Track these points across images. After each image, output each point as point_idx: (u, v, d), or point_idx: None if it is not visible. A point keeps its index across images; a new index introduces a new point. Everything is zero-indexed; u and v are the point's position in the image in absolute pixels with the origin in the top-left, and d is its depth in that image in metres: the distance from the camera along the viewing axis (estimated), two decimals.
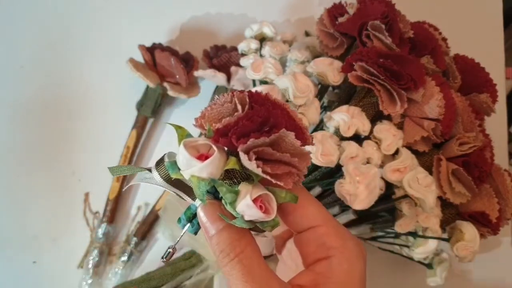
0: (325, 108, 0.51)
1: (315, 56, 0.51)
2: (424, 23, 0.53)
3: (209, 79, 0.58)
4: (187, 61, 0.59)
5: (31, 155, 0.59)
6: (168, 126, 0.58)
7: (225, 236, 0.25)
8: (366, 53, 0.43)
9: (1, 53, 0.62)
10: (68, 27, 0.64)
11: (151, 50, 0.58)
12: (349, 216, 0.44)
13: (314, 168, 0.44)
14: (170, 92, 0.57)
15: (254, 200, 0.23)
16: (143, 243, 0.56)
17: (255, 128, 0.23)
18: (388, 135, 0.43)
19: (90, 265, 0.54)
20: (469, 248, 0.43)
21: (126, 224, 0.57)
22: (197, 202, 0.26)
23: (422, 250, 0.44)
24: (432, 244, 0.44)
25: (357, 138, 0.44)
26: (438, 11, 0.68)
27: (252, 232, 0.26)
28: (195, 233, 0.27)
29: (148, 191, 0.58)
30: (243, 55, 0.53)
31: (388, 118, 0.44)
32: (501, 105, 0.64)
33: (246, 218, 0.24)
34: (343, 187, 0.39)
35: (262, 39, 0.55)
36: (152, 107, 0.58)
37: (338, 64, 0.46)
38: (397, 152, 0.43)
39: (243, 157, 0.22)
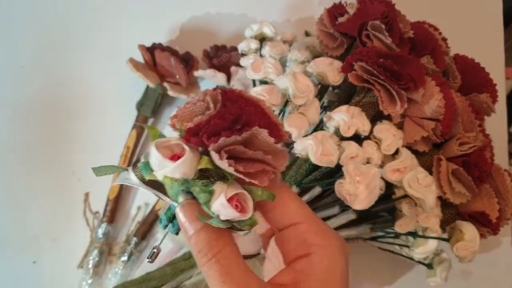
0: (325, 108, 0.51)
1: (315, 56, 0.51)
2: (424, 23, 0.53)
3: (209, 79, 0.58)
4: (187, 61, 0.59)
5: (31, 155, 0.59)
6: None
7: (203, 236, 0.25)
8: (366, 53, 0.43)
9: (1, 53, 0.62)
10: (68, 27, 0.64)
11: (151, 50, 0.58)
12: (349, 216, 0.44)
13: (314, 168, 0.44)
14: (170, 92, 0.57)
15: (229, 199, 0.23)
16: (143, 243, 0.56)
17: (226, 126, 0.23)
18: (388, 135, 0.43)
19: (90, 265, 0.54)
20: (469, 248, 0.43)
21: (126, 224, 0.57)
22: (178, 201, 0.25)
23: (422, 250, 0.44)
24: (432, 244, 0.44)
25: (357, 138, 0.44)
26: (438, 11, 0.68)
27: (238, 231, 0.26)
28: (177, 233, 0.27)
29: (148, 191, 0.58)
30: (243, 55, 0.53)
31: (388, 118, 0.44)
32: (501, 105, 0.64)
33: (222, 217, 0.24)
34: (343, 187, 0.39)
35: (262, 39, 0.55)
36: (152, 107, 0.58)
37: (338, 64, 0.46)
38: (397, 152, 0.43)
39: (215, 156, 0.22)
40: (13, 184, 0.58)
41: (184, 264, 0.49)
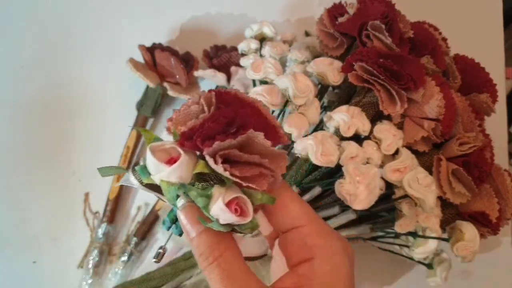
0: (325, 108, 0.51)
1: (315, 56, 0.51)
2: (424, 23, 0.53)
3: (209, 79, 0.58)
4: (187, 61, 0.59)
5: (31, 155, 0.59)
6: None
7: (204, 239, 0.25)
8: (366, 53, 0.43)
9: (1, 53, 0.62)
10: (68, 27, 0.64)
11: (151, 50, 0.58)
12: (349, 216, 0.44)
13: (314, 168, 0.44)
14: (170, 92, 0.57)
15: (229, 203, 0.23)
16: (143, 243, 0.56)
17: (220, 130, 0.22)
18: (388, 135, 0.43)
19: (90, 265, 0.54)
20: (469, 248, 0.43)
21: (126, 224, 0.57)
22: (178, 204, 0.25)
23: (422, 250, 0.44)
24: (432, 244, 0.44)
25: (357, 138, 0.44)
26: (438, 11, 0.68)
27: (241, 234, 0.26)
28: (180, 235, 0.27)
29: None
30: (243, 55, 0.53)
31: (388, 118, 0.44)
32: (501, 105, 0.64)
33: (221, 221, 0.23)
34: (343, 187, 0.39)
35: (262, 39, 0.55)
36: (152, 107, 0.58)
37: (338, 64, 0.46)
38: (397, 152, 0.43)
39: (210, 160, 0.22)
40: (13, 184, 0.58)
41: (184, 264, 0.49)
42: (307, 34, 0.61)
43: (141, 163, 0.25)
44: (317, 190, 0.45)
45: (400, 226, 0.43)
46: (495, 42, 0.69)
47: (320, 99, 0.48)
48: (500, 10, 0.70)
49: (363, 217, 0.46)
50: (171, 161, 0.23)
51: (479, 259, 0.45)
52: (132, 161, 0.58)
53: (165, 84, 0.57)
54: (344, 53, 0.49)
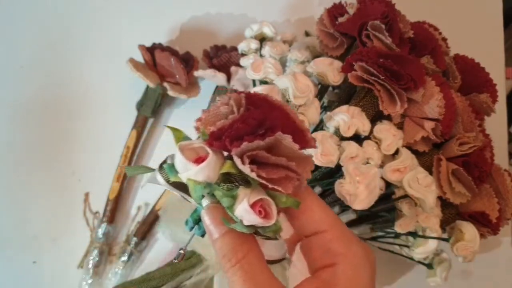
0: (325, 108, 0.51)
1: (315, 56, 0.51)
2: (424, 23, 0.53)
3: (209, 79, 0.58)
4: (187, 61, 0.59)
5: (31, 155, 0.59)
6: (167, 127, 0.58)
7: (227, 240, 0.25)
8: (366, 53, 0.43)
9: (1, 53, 0.62)
10: (68, 27, 0.64)
11: (151, 50, 0.58)
12: (349, 216, 0.44)
13: (314, 168, 0.44)
14: (170, 92, 0.57)
15: (253, 205, 0.23)
16: (143, 243, 0.56)
17: (249, 131, 0.22)
18: (388, 135, 0.43)
19: (90, 265, 0.54)
20: (469, 248, 0.43)
21: (126, 224, 0.57)
22: (203, 204, 0.25)
23: (422, 250, 0.44)
24: (432, 244, 0.44)
25: (357, 138, 0.44)
26: (438, 11, 0.68)
27: (263, 238, 0.26)
28: (202, 236, 0.27)
29: (148, 191, 0.58)
30: (243, 55, 0.53)
31: (388, 118, 0.44)
32: (501, 105, 0.64)
33: (245, 223, 0.23)
34: (343, 187, 0.39)
35: (262, 39, 0.55)
36: (152, 107, 0.58)
37: (338, 64, 0.46)
38: (397, 152, 0.43)
39: (237, 160, 0.22)
40: (13, 184, 0.58)
41: (184, 264, 0.49)
42: (307, 34, 0.61)
43: (168, 161, 0.25)
44: (317, 190, 0.45)
45: (400, 226, 0.43)
46: (495, 42, 0.69)
47: (320, 99, 0.48)
48: (500, 10, 0.70)
49: (363, 217, 0.46)
50: (199, 160, 0.23)
51: (479, 259, 0.45)
52: (132, 161, 0.58)
53: (165, 84, 0.57)
54: (344, 53, 0.49)
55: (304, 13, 0.67)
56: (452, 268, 0.47)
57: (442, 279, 0.47)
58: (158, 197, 0.57)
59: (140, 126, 0.59)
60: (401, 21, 0.48)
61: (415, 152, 0.44)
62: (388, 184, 0.42)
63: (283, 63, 0.52)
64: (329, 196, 0.46)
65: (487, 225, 0.45)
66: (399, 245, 0.49)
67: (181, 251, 0.28)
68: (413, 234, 0.45)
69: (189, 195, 0.26)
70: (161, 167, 0.26)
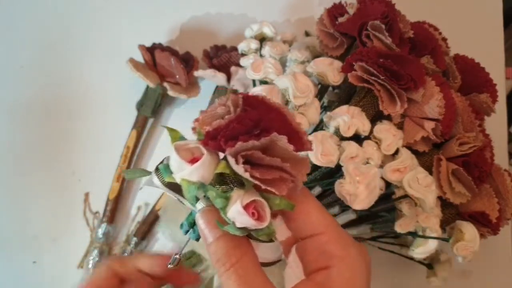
0: (325, 108, 0.51)
1: (315, 56, 0.51)
2: (424, 23, 0.53)
3: (209, 79, 0.58)
4: (187, 61, 0.59)
5: (31, 155, 0.59)
6: (167, 127, 0.58)
7: (221, 244, 0.25)
8: (366, 53, 0.43)
9: (1, 53, 0.62)
10: (68, 27, 0.64)
11: (151, 50, 0.58)
12: (349, 216, 0.44)
13: (314, 168, 0.44)
14: (170, 92, 0.57)
15: (246, 206, 0.23)
16: (143, 243, 0.56)
17: (244, 131, 0.22)
18: (388, 135, 0.43)
19: (90, 265, 0.54)
20: (469, 248, 0.43)
21: (126, 224, 0.57)
22: (198, 207, 0.25)
23: (422, 250, 0.44)
24: (432, 244, 0.44)
25: (357, 138, 0.44)
26: (438, 11, 0.68)
27: (256, 241, 0.26)
28: (197, 240, 0.26)
29: (148, 191, 0.58)
30: (243, 55, 0.53)
31: (388, 118, 0.44)
32: (501, 105, 0.64)
33: (238, 225, 0.23)
34: (343, 187, 0.39)
35: (262, 39, 0.55)
36: (152, 107, 0.58)
37: (338, 64, 0.46)
38: (397, 152, 0.43)
39: (231, 160, 0.22)
40: (13, 184, 0.58)
41: (184, 264, 0.49)
42: (307, 34, 0.61)
43: (165, 162, 0.25)
44: (317, 190, 0.45)
45: (400, 226, 0.43)
46: (495, 42, 0.69)
47: (320, 99, 0.48)
48: (500, 10, 0.70)
49: (363, 217, 0.46)
50: (193, 160, 0.23)
51: (479, 259, 0.45)
52: (132, 161, 0.58)
53: (165, 84, 0.57)
54: (344, 53, 0.49)
55: (304, 13, 0.67)
56: (452, 268, 0.47)
57: (442, 279, 0.47)
58: (158, 197, 0.57)
59: (140, 126, 0.59)
60: (401, 21, 0.48)
61: (415, 152, 0.44)
62: (388, 184, 0.42)
63: (283, 63, 0.52)
64: (329, 196, 0.46)
65: (487, 225, 0.45)
66: (399, 245, 0.49)
67: (176, 256, 0.28)
68: (413, 234, 0.45)
69: (184, 197, 0.25)
70: (157, 168, 0.26)
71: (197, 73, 0.58)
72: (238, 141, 0.22)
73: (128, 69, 0.55)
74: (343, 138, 0.43)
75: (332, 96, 0.51)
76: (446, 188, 0.43)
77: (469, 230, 0.43)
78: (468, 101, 0.47)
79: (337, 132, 0.43)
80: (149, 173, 0.26)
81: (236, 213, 0.23)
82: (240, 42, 0.54)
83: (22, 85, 0.61)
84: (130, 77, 0.56)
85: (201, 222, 0.25)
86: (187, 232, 0.27)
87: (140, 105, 0.59)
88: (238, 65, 0.54)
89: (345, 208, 0.44)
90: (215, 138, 0.22)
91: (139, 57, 0.58)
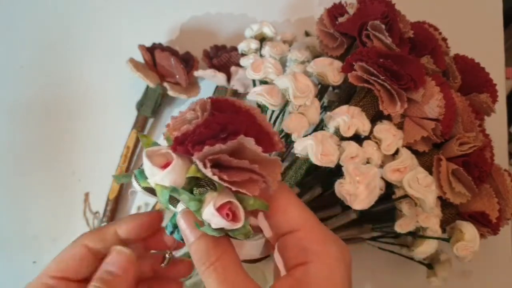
0: (325, 108, 0.51)
1: (315, 56, 0.51)
2: (424, 23, 0.53)
3: (209, 79, 0.58)
4: (187, 61, 0.59)
5: (31, 155, 0.59)
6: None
7: (201, 244, 0.25)
8: (366, 53, 0.43)
9: (1, 53, 0.62)
10: (68, 27, 0.64)
11: (151, 50, 0.58)
12: (349, 216, 0.44)
13: (314, 168, 0.44)
14: (170, 92, 0.57)
15: (220, 208, 0.23)
16: None
17: (211, 135, 0.23)
18: (388, 135, 0.43)
19: None
20: (469, 248, 0.43)
21: None
22: (178, 209, 0.26)
23: (422, 250, 0.44)
24: (432, 244, 0.44)
25: (357, 138, 0.44)
26: (438, 11, 0.68)
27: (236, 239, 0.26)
28: (182, 240, 0.27)
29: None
30: (243, 55, 0.53)
31: (388, 118, 0.44)
32: (501, 105, 0.64)
33: (213, 226, 0.24)
34: (343, 187, 0.39)
35: (262, 39, 0.55)
36: (152, 107, 0.58)
37: (338, 64, 0.46)
38: (397, 152, 0.43)
39: (199, 164, 0.22)
40: (13, 184, 0.58)
41: None
42: (307, 34, 0.61)
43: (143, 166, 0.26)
44: (317, 190, 0.45)
45: (400, 226, 0.43)
46: (495, 42, 0.69)
47: (320, 99, 0.48)
48: (500, 10, 0.70)
49: (363, 217, 0.46)
50: (166, 165, 0.24)
51: (479, 259, 0.45)
52: (132, 161, 0.58)
53: (165, 84, 0.57)
54: (344, 53, 0.49)
55: (304, 13, 0.67)
56: (452, 268, 0.47)
57: (442, 279, 0.47)
58: None
59: (140, 126, 0.59)
60: (401, 21, 0.48)
61: (415, 152, 0.44)
62: (388, 184, 0.42)
63: (283, 63, 0.52)
64: (329, 196, 0.46)
65: (487, 225, 0.45)
66: (399, 245, 0.49)
67: (167, 255, 0.29)
68: (413, 234, 0.45)
69: None
70: (134, 173, 0.26)
71: (197, 73, 0.58)
72: (205, 146, 0.22)
73: (128, 69, 0.55)
74: (343, 138, 0.43)
75: (332, 96, 0.51)
76: (446, 188, 0.43)
77: (469, 230, 0.43)
78: (468, 101, 0.47)
79: (337, 132, 0.43)
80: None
81: (210, 215, 0.23)
82: (240, 42, 0.54)
83: (22, 85, 0.61)
84: (130, 77, 0.56)
85: (182, 223, 0.26)
86: (171, 233, 0.27)
87: (140, 105, 0.59)
88: (238, 65, 0.54)
89: (345, 208, 0.44)
90: (183, 143, 0.23)
91: (139, 57, 0.58)
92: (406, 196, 0.42)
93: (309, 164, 0.43)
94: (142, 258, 0.31)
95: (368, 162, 0.42)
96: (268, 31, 0.54)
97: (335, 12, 0.50)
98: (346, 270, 0.26)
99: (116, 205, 0.57)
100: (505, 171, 0.48)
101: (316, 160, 0.40)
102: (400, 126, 0.45)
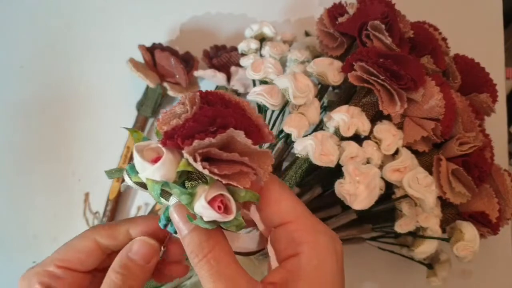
0: (325, 108, 0.51)
1: (315, 56, 0.51)
2: (424, 23, 0.53)
3: (209, 79, 0.58)
4: (187, 61, 0.59)
5: (31, 155, 0.59)
6: None
7: (194, 236, 0.25)
8: (366, 53, 0.43)
9: (1, 53, 0.62)
10: (68, 27, 0.64)
11: (151, 50, 0.58)
12: (349, 216, 0.44)
13: (314, 168, 0.44)
14: (170, 92, 0.57)
15: (212, 201, 0.23)
16: None
17: (200, 129, 0.23)
18: (388, 135, 0.43)
19: None
20: (469, 248, 0.43)
21: None
22: (171, 202, 0.26)
23: (422, 250, 0.44)
24: (432, 244, 0.44)
25: (357, 138, 0.44)
26: (438, 11, 0.68)
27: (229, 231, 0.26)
28: (175, 232, 0.27)
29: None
30: (243, 55, 0.53)
31: (388, 118, 0.44)
32: (501, 105, 0.64)
33: (205, 218, 0.24)
34: (343, 187, 0.39)
35: (262, 39, 0.55)
36: (152, 107, 0.58)
37: (338, 64, 0.46)
38: (397, 152, 0.43)
39: (189, 158, 0.22)
40: (13, 184, 0.58)
41: None
42: (307, 34, 0.61)
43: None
44: (317, 190, 0.45)
45: (400, 226, 0.43)
46: (495, 42, 0.69)
47: (320, 99, 0.48)
48: (500, 10, 0.70)
49: (363, 217, 0.46)
50: (157, 159, 0.24)
51: (479, 259, 0.45)
52: (132, 161, 0.58)
53: (165, 84, 0.57)
54: (344, 53, 0.49)
55: (304, 13, 0.67)
56: (452, 268, 0.47)
57: (442, 279, 0.47)
58: None
59: (140, 126, 0.59)
60: (401, 21, 0.48)
61: (415, 152, 0.44)
62: (388, 184, 0.42)
63: (283, 63, 0.52)
64: (329, 196, 0.46)
65: (487, 225, 0.45)
66: (399, 245, 0.49)
67: (162, 248, 0.29)
68: (413, 234, 0.45)
69: None
70: (126, 169, 0.26)
71: (197, 73, 0.58)
72: (195, 140, 0.22)
73: (128, 69, 0.55)
74: (343, 138, 0.43)
75: (332, 96, 0.51)
76: (446, 188, 0.43)
77: (469, 230, 0.43)
78: (468, 101, 0.47)
79: (337, 132, 0.43)
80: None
81: (202, 208, 0.23)
82: (240, 42, 0.54)
83: (22, 85, 0.61)
84: (130, 77, 0.56)
85: (174, 216, 0.26)
86: (165, 226, 0.28)
87: (140, 105, 0.59)
88: (238, 65, 0.54)
89: (345, 208, 0.44)
90: (172, 138, 0.23)
91: (139, 57, 0.58)
92: (406, 196, 0.42)
93: (309, 164, 0.43)
94: None
95: (368, 162, 0.42)
96: (268, 31, 0.54)
97: (335, 12, 0.50)
98: (337, 260, 0.26)
99: (116, 205, 0.57)
100: (505, 171, 0.48)
101: (316, 160, 0.40)
102: (400, 126, 0.45)
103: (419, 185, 0.40)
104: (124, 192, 0.58)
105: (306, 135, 0.43)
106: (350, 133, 0.42)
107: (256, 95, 0.43)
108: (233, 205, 0.24)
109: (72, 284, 0.28)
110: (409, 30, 0.48)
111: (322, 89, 0.49)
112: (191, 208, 0.24)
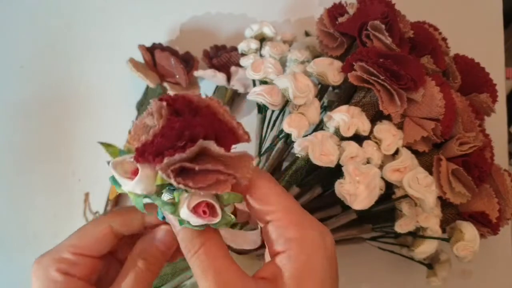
0: (325, 108, 0.51)
1: (315, 56, 0.51)
2: (424, 23, 0.53)
3: (209, 79, 0.58)
4: (187, 61, 0.59)
5: (31, 155, 0.59)
6: None
7: (187, 232, 0.26)
8: (366, 53, 0.43)
9: (1, 53, 0.62)
10: (68, 27, 0.64)
11: (151, 50, 0.58)
12: (349, 216, 0.44)
13: (314, 168, 0.44)
14: (170, 92, 0.57)
15: (196, 207, 0.24)
16: None
17: (169, 145, 0.22)
18: (388, 135, 0.43)
19: None
20: (469, 248, 0.43)
21: None
22: (164, 199, 0.26)
23: (422, 250, 0.44)
24: (432, 244, 0.44)
25: (357, 138, 0.44)
26: (438, 11, 0.68)
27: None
28: None
29: None
30: (243, 55, 0.53)
31: (388, 118, 0.44)
32: (501, 105, 0.64)
33: (192, 223, 0.24)
34: (343, 187, 0.39)
35: (262, 39, 0.55)
36: None
37: (338, 64, 0.46)
38: (397, 152, 0.43)
39: (163, 175, 0.22)
40: (13, 184, 0.58)
41: (184, 263, 0.49)
42: (307, 34, 0.61)
43: None
44: (317, 190, 0.45)
45: (400, 226, 0.43)
46: (495, 42, 0.69)
47: (320, 99, 0.48)
48: (500, 10, 0.70)
49: (363, 217, 0.46)
50: (135, 172, 0.24)
51: (479, 259, 0.45)
52: None
53: (165, 84, 0.57)
54: (344, 53, 0.49)
55: (304, 13, 0.67)
56: (452, 268, 0.47)
57: (442, 279, 0.47)
58: None
59: None
60: (401, 21, 0.48)
61: (415, 152, 0.44)
62: (388, 184, 0.42)
63: (283, 63, 0.52)
64: (329, 196, 0.46)
65: (487, 225, 0.45)
66: (399, 245, 0.49)
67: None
68: (413, 234, 0.45)
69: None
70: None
71: (197, 73, 0.58)
72: (165, 157, 0.22)
73: (128, 69, 0.55)
74: (343, 138, 0.43)
75: (332, 96, 0.51)
76: (446, 188, 0.43)
77: (469, 230, 0.43)
78: (468, 101, 0.47)
79: (337, 132, 0.43)
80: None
81: (186, 215, 0.24)
82: (240, 42, 0.54)
83: (22, 85, 0.61)
84: (130, 77, 0.56)
85: (166, 213, 0.26)
86: (163, 218, 0.28)
87: (140, 105, 0.59)
88: (238, 65, 0.54)
89: (345, 208, 0.44)
90: (143, 155, 0.23)
91: (139, 57, 0.58)
92: (406, 196, 0.42)
93: (309, 164, 0.43)
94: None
95: (368, 162, 0.42)
96: (268, 31, 0.54)
97: (335, 12, 0.50)
98: (327, 255, 0.26)
99: (116, 205, 0.57)
100: (505, 171, 0.48)
101: (316, 160, 0.40)
102: (400, 126, 0.45)
103: (419, 185, 0.40)
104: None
105: (306, 135, 0.43)
106: (350, 133, 0.42)
107: (256, 95, 0.43)
108: (218, 209, 0.24)
109: (87, 269, 0.29)
110: (409, 30, 0.48)
111: (322, 89, 0.49)
112: (177, 215, 0.24)
